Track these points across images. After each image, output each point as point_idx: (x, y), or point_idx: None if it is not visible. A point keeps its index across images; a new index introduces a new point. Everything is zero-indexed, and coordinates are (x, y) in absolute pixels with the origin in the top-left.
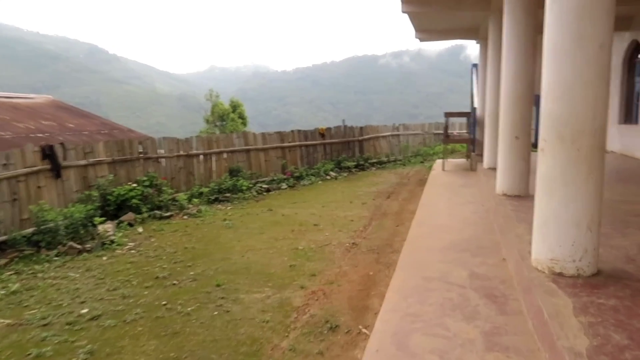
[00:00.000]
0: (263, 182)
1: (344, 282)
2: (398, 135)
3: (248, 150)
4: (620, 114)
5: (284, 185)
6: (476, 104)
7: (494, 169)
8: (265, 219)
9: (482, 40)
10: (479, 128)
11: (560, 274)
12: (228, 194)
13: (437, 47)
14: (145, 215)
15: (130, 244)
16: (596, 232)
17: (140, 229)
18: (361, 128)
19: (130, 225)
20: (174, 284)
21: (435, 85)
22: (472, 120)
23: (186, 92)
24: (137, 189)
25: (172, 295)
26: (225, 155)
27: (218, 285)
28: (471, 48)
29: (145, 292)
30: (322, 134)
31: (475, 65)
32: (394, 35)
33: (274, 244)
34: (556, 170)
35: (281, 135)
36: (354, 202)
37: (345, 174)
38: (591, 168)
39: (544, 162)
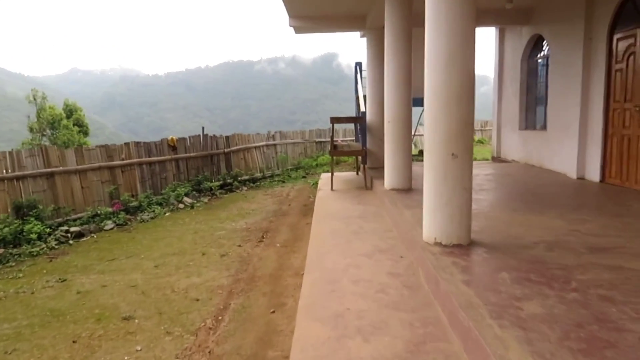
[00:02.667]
0: (75, 221)
1: None
2: (275, 145)
3: (51, 174)
4: (521, 119)
5: (109, 224)
6: (363, 108)
7: (400, 190)
8: (39, 306)
9: (371, 30)
10: (370, 136)
11: None
12: (1, 250)
13: (311, 54)
14: None
15: None
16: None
17: None
18: (227, 138)
19: None
20: None
21: (311, 91)
22: (362, 126)
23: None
24: None
25: None
26: (5, 184)
27: None
28: (343, 56)
29: None
30: (172, 146)
31: (359, 64)
32: (268, 41)
33: None
34: None
35: (108, 150)
36: (208, 253)
37: (205, 200)
38: None
39: None
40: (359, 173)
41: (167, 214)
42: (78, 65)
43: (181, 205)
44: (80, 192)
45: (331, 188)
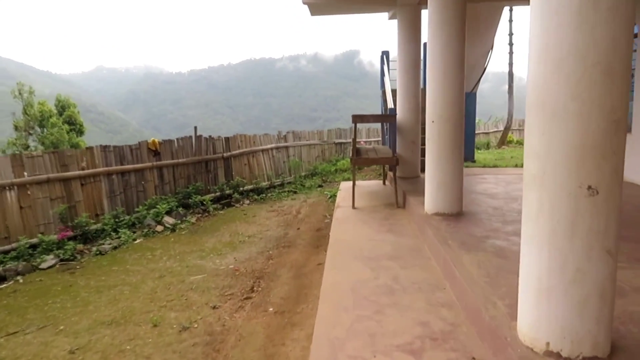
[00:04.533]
0: (6, 255)
1: None
2: (286, 147)
3: None
4: None
5: (48, 260)
6: (391, 104)
7: (447, 216)
8: None
9: (404, 7)
10: (401, 138)
11: None
12: None
13: (333, 51)
14: None
15: None
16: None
17: None
18: (227, 140)
19: None
20: None
21: (332, 88)
22: (391, 126)
23: (69, 94)
24: None
25: None
26: None
27: None
28: (364, 53)
29: None
30: (154, 150)
31: (385, 53)
32: (290, 38)
33: None
34: None
35: (62, 157)
36: (164, 323)
37: (193, 219)
38: None
39: None
40: (386, 183)
41: (137, 241)
42: (104, 63)
43: (160, 228)
44: (18, 213)
45: (352, 205)
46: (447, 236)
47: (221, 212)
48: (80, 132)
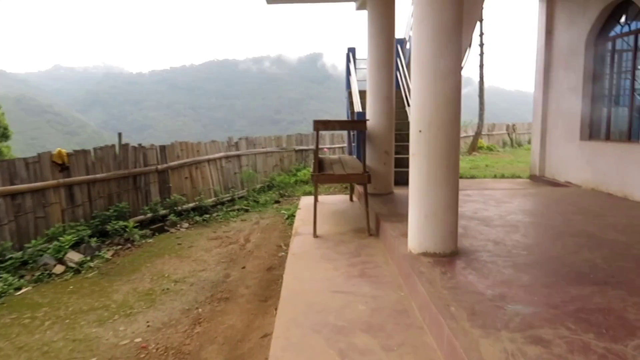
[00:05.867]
0: None
1: None
2: (238, 156)
3: None
4: (584, 124)
5: None
6: (359, 107)
7: (439, 257)
8: None
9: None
10: (372, 147)
11: None
12: None
13: (296, 53)
14: None
15: None
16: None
17: None
18: (163, 149)
19: None
20: None
21: (296, 91)
22: (360, 134)
23: (25, 93)
24: None
25: None
26: None
27: None
28: (327, 56)
29: None
30: (60, 164)
31: (351, 51)
32: (253, 40)
33: None
34: None
35: None
36: None
37: (109, 253)
38: None
39: None
40: (354, 198)
41: (20, 292)
42: (61, 62)
43: (59, 268)
44: None
45: (314, 233)
46: (446, 296)
47: (150, 240)
48: (4, 137)
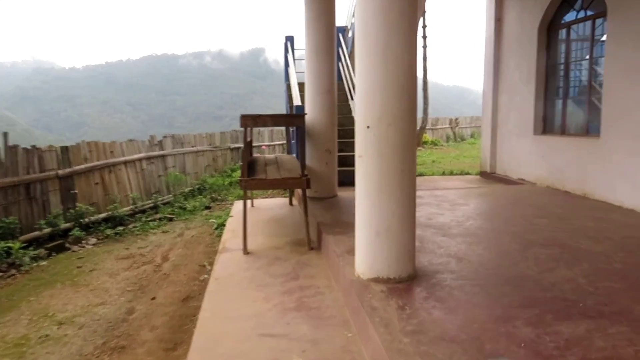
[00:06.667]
0: None
1: None
2: (163, 156)
3: None
4: (538, 118)
5: None
6: (299, 101)
7: (393, 284)
8: None
9: None
10: (313, 146)
11: None
12: None
13: (238, 48)
14: None
15: None
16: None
17: None
18: (66, 150)
19: None
20: None
21: (239, 86)
22: (298, 130)
23: None
24: None
25: None
26: None
27: None
28: (270, 51)
29: None
30: None
31: (290, 39)
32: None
33: None
34: None
35: None
36: None
37: None
38: None
39: None
40: (294, 202)
41: None
42: None
43: None
44: None
45: (244, 250)
46: (408, 347)
47: (44, 263)
48: None
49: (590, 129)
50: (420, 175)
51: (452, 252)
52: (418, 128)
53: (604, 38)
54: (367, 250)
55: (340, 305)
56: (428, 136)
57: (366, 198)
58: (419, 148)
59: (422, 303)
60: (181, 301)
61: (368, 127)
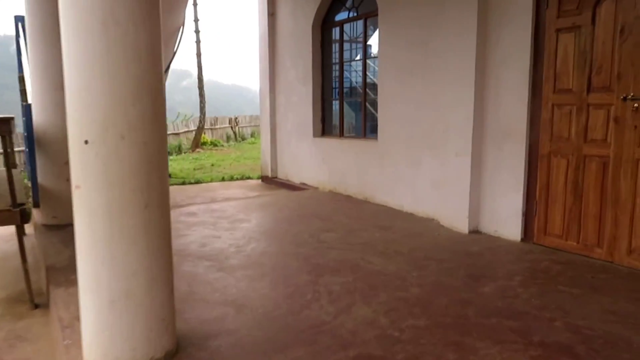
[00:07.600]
0: None
1: None
2: None
3: None
4: (316, 120)
5: None
6: (32, 98)
7: None
8: None
9: None
10: (46, 158)
11: None
12: None
13: None
14: None
15: None
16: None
17: None
18: None
19: None
20: None
21: None
22: (27, 138)
23: None
24: None
25: None
26: None
27: None
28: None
29: None
30: None
31: (20, 20)
32: None
33: None
34: None
35: None
36: None
37: None
38: None
39: None
40: (28, 232)
41: None
42: None
43: None
44: None
45: None
46: None
47: None
48: None
49: (368, 132)
50: (197, 182)
51: (230, 296)
52: (195, 128)
53: (375, 38)
54: (99, 328)
55: None
56: (207, 137)
57: (91, 250)
58: (197, 150)
59: None
60: None
61: (87, 142)
